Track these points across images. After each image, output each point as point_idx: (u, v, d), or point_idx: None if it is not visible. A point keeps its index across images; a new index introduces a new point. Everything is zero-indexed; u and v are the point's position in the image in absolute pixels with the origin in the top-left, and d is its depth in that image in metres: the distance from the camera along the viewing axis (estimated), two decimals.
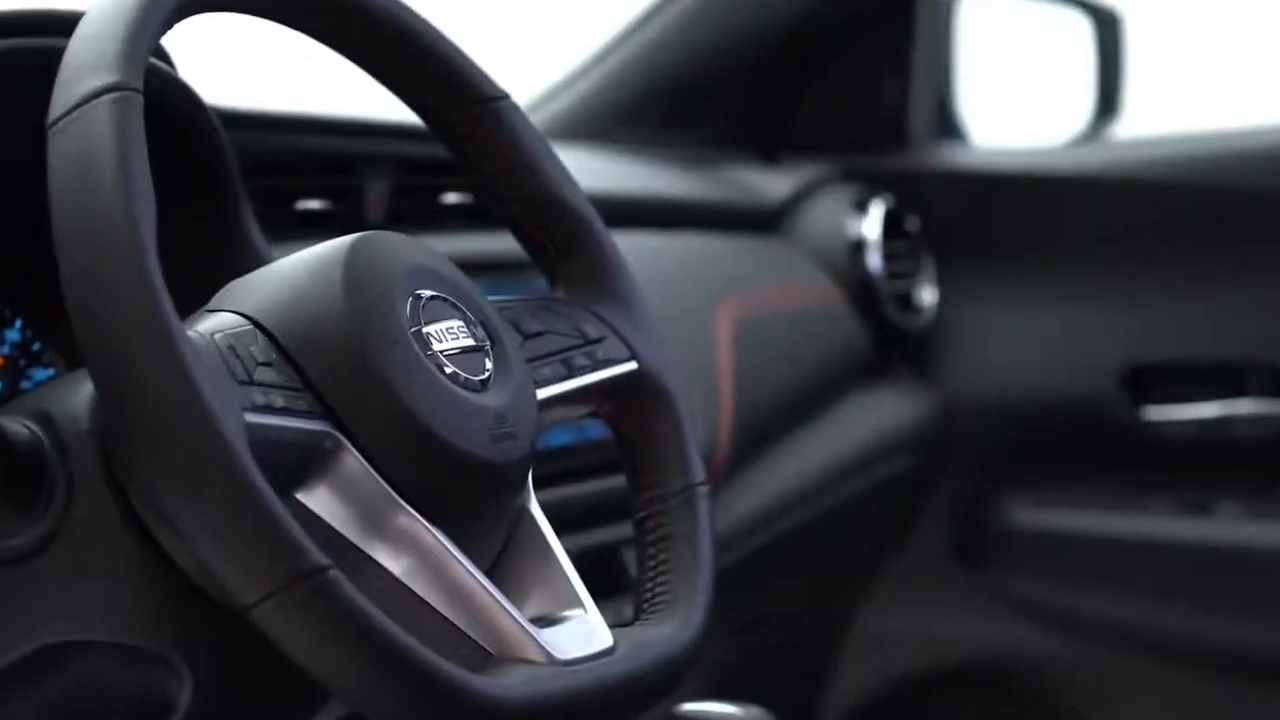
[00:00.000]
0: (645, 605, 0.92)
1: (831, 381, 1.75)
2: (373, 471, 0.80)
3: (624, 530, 1.24)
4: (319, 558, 0.73)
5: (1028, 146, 2.10)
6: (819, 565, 1.81)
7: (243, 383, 0.77)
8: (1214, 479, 1.86)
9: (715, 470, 1.40)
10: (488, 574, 0.83)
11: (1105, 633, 1.92)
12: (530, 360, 0.91)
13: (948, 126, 2.05)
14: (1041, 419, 1.91)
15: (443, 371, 0.83)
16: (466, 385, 0.84)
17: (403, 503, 0.81)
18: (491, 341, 0.87)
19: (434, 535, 0.81)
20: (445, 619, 0.81)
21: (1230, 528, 1.85)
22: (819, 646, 1.97)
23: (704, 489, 0.96)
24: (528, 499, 0.90)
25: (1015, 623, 1.94)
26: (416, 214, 1.32)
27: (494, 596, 0.81)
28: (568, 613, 0.88)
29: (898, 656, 2.01)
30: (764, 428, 1.57)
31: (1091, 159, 1.98)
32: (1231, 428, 1.83)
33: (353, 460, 0.80)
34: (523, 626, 0.81)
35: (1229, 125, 1.98)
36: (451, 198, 1.35)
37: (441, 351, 0.84)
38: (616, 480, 1.00)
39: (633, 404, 0.96)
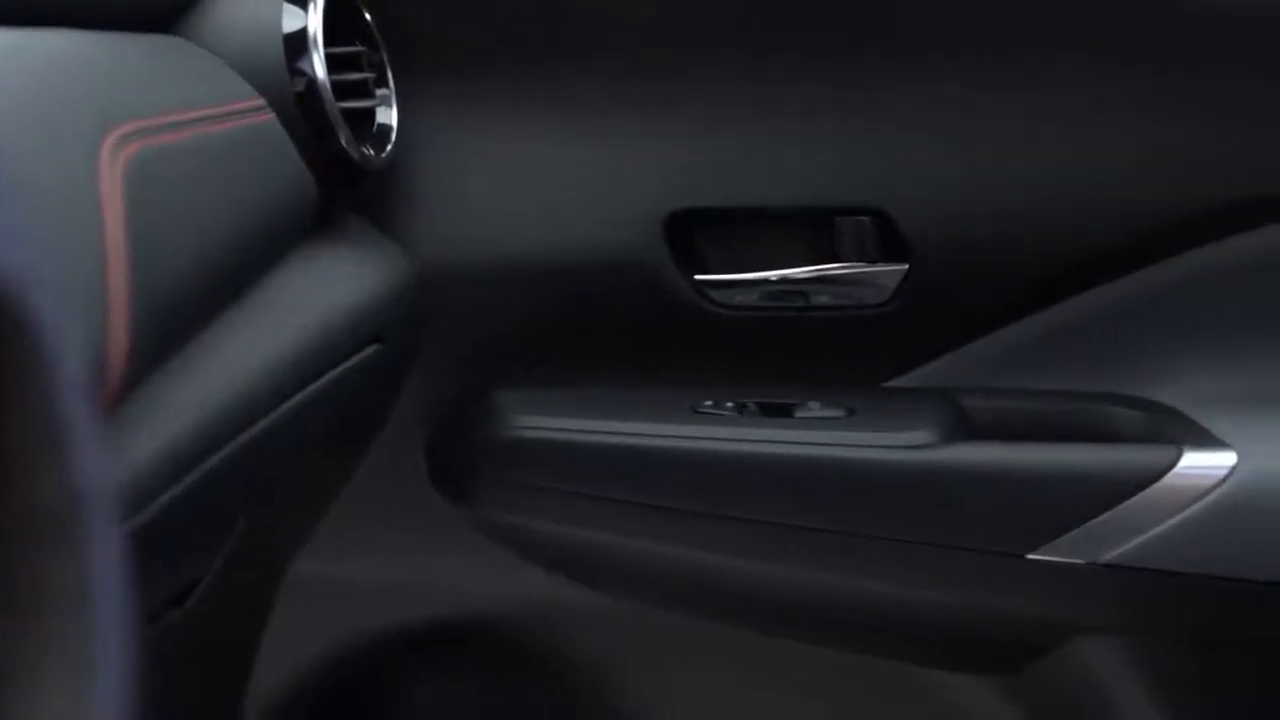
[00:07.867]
0: None
1: (262, 243, 1.45)
2: None
3: None
4: None
5: None
6: (254, 507, 1.53)
7: None
8: (792, 368, 1.64)
9: (108, 394, 1.12)
10: None
11: (638, 576, 1.69)
12: None
13: None
14: (550, 288, 1.67)
15: None
16: None
17: None
18: None
19: None
20: None
21: (811, 435, 1.59)
22: (256, 611, 1.73)
23: (100, 500, 0.63)
24: None
25: (513, 565, 1.71)
26: None
27: None
28: None
29: (353, 615, 1.80)
30: (173, 320, 1.25)
31: None
32: (816, 297, 1.62)
33: None
34: None
35: None
36: None
37: None
38: None
39: None
